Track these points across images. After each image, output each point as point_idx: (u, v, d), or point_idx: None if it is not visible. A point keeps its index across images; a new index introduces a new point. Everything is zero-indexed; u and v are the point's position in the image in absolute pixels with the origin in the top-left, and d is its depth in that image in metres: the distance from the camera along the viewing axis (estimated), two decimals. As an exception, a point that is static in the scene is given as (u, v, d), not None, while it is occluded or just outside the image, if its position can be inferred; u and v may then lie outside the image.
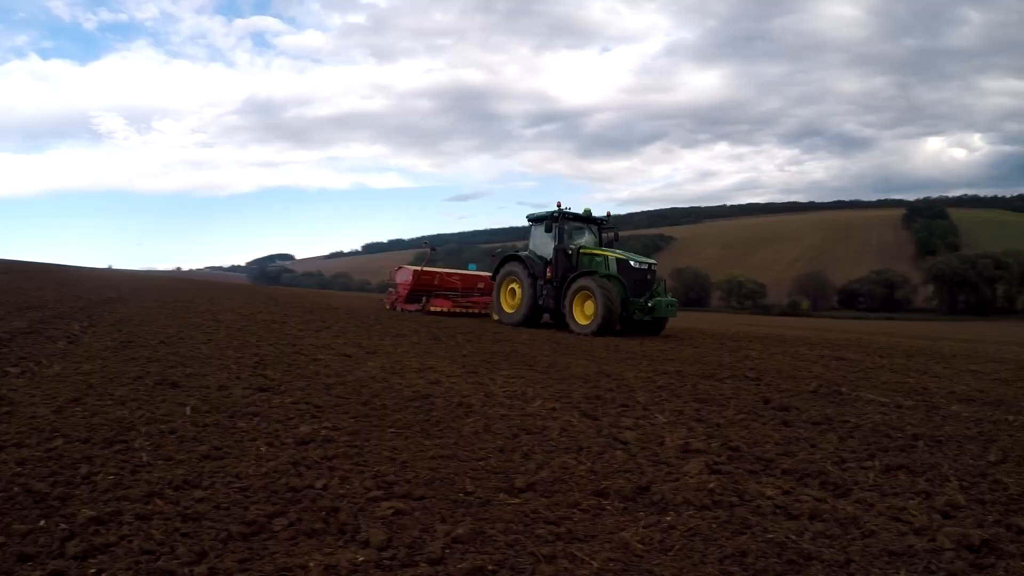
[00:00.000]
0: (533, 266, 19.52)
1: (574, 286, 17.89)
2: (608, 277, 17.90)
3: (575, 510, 4.31)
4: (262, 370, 8.82)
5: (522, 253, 20.40)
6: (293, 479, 4.56)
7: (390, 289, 27.04)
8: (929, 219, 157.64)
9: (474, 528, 3.89)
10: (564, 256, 19.16)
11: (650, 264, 18.81)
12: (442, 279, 25.57)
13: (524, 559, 3.56)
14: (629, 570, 3.52)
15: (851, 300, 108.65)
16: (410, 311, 24.18)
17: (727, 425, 6.88)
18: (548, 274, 19.18)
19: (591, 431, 6.34)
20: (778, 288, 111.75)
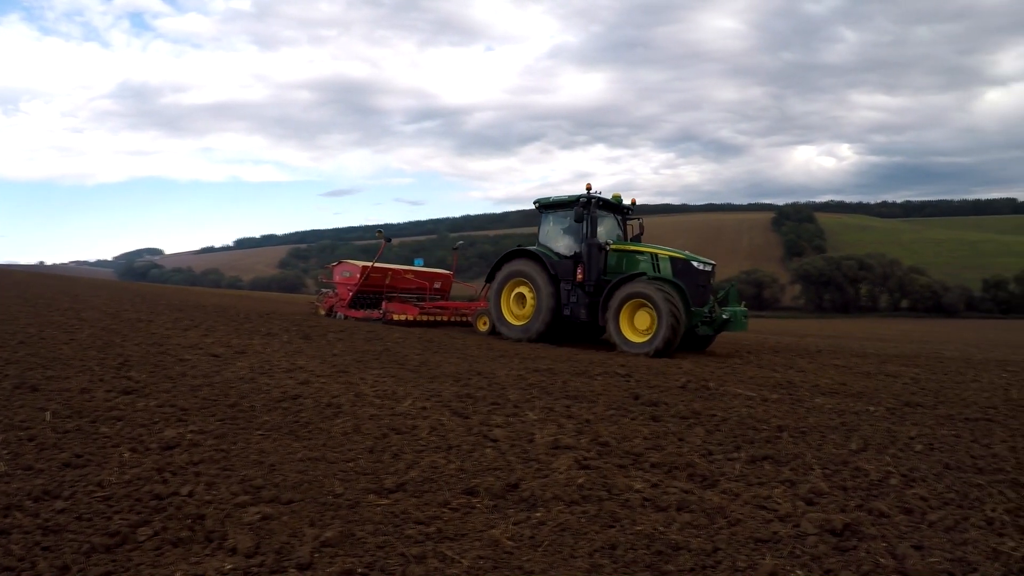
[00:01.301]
0: (556, 265, 15.97)
1: (622, 292, 14.49)
2: (664, 281, 14.61)
3: (445, 509, 4.32)
4: (127, 372, 8.47)
5: (534, 248, 16.71)
6: (158, 486, 4.41)
7: (324, 291, 23.52)
8: (797, 223, 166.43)
9: (343, 531, 3.86)
10: (600, 254, 15.89)
11: (712, 265, 15.87)
12: (395, 277, 21.78)
13: (394, 560, 3.56)
14: (499, 567, 3.55)
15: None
16: (357, 319, 20.31)
17: (597, 421, 7.02)
18: (579, 276, 15.68)
19: (461, 430, 6.36)
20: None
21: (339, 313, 20.92)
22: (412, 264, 23.91)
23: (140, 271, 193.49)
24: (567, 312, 15.78)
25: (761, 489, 4.90)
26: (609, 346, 14.91)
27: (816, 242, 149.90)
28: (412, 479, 4.82)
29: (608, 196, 16.60)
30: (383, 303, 20.50)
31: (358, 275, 20.78)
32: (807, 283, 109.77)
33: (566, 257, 16.12)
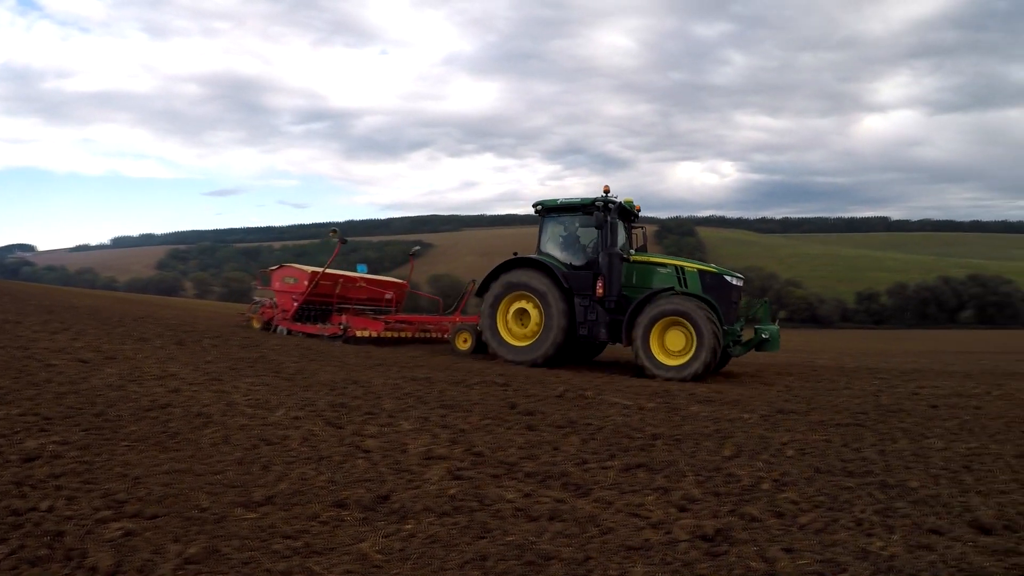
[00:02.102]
0: (570, 278, 14.33)
1: (654, 309, 13.18)
2: (698, 298, 13.41)
3: (314, 523, 4.23)
4: (-11, 378, 7.97)
5: (541, 257, 14.92)
6: (16, 501, 4.18)
7: (257, 299, 20.08)
8: (679, 236, 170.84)
9: (208, 546, 3.74)
10: (621, 265, 14.44)
11: (743, 279, 14.85)
12: (346, 286, 19.05)
13: (260, 576, 3.46)
14: (368, 581, 3.48)
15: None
16: (308, 335, 17.74)
17: (472, 431, 7.00)
18: (599, 290, 14.10)
19: (334, 440, 6.24)
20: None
21: (281, 327, 18.09)
22: (356, 270, 20.56)
23: (10, 268, 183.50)
24: (584, 332, 14.11)
25: (634, 497, 4.93)
26: (596, 366, 14.75)
27: (697, 255, 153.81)
28: (281, 491, 4.70)
29: (620, 200, 15.00)
30: (343, 316, 18.00)
31: (306, 282, 18.03)
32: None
33: (580, 268, 14.58)
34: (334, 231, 19.15)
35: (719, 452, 6.44)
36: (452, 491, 4.83)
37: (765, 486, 5.29)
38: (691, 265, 14.25)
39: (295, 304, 18.02)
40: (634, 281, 14.41)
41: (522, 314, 14.65)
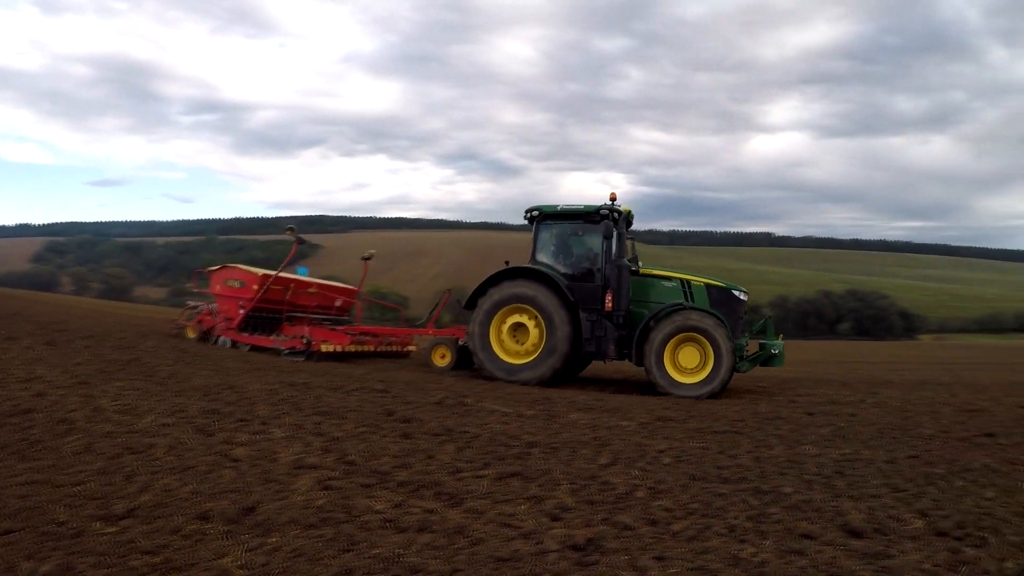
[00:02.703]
0: (575, 290, 13.58)
1: (669, 326, 12.84)
2: (710, 314, 13.22)
3: (175, 537, 4.04)
4: None
5: (540, 268, 13.96)
6: None
7: (195, 305, 17.78)
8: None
9: (63, 563, 3.56)
10: (631, 278, 13.78)
11: (747, 294, 14.43)
12: (296, 292, 17.02)
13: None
14: (228, 598, 3.34)
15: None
16: (259, 348, 15.68)
17: (346, 438, 6.82)
18: (608, 305, 13.44)
19: (201, 448, 5.98)
20: (420, 301, 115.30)
21: (223, 339, 15.97)
22: (296, 273, 18.22)
23: None
24: (591, 348, 13.46)
25: (507, 506, 4.87)
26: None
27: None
28: (144, 504, 4.50)
29: (620, 208, 14.13)
30: (305, 327, 15.93)
31: (255, 286, 15.99)
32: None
33: (582, 280, 13.82)
34: (291, 228, 17.19)
35: (595, 460, 6.44)
36: (320, 502, 4.69)
37: (640, 494, 5.30)
38: (697, 279, 13.95)
39: (241, 312, 15.97)
40: (638, 295, 13.88)
41: (518, 329, 13.71)
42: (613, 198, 13.70)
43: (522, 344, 13.55)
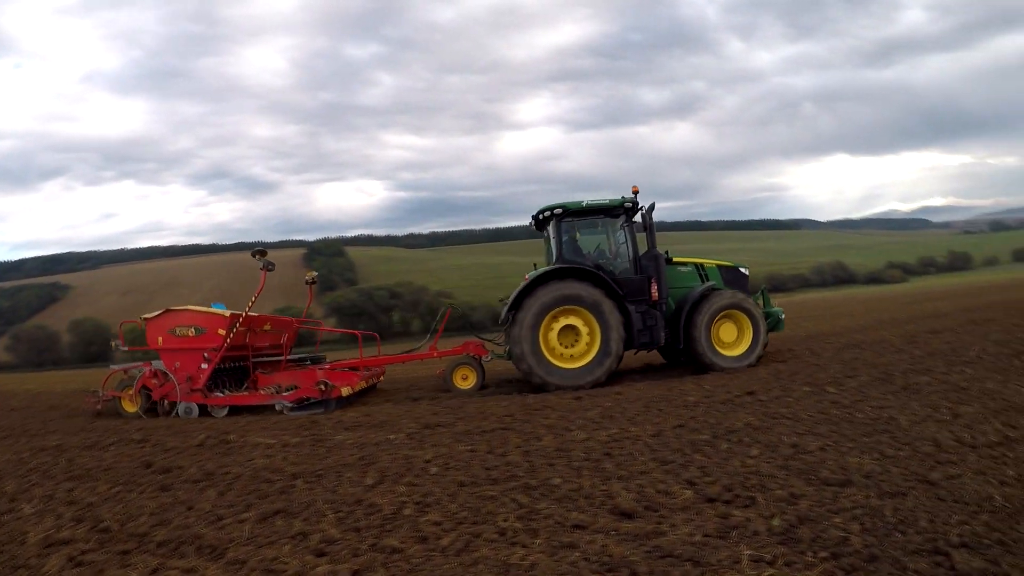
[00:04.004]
0: (623, 284, 13.43)
1: (711, 306, 13.22)
2: (738, 291, 13.84)
3: None
4: None
5: (585, 265, 13.55)
6: None
7: (124, 368, 14.30)
8: (328, 257, 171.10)
9: None
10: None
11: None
12: (253, 331, 14.11)
13: None
14: None
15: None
16: (244, 408, 12.75)
17: (100, 503, 6.26)
18: (654, 295, 13.43)
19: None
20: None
21: (186, 405, 12.76)
22: (212, 308, 14.53)
23: None
24: (645, 339, 13.36)
25: (270, 550, 4.57)
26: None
27: (348, 275, 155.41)
28: None
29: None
30: (317, 371, 13.48)
31: (221, 330, 13.00)
32: (341, 315, 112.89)
33: (627, 273, 13.72)
34: (259, 251, 14.14)
35: (361, 482, 6.23)
36: (69, 583, 4.22)
37: (408, 511, 5.14)
38: (709, 262, 14.57)
39: (205, 367, 12.91)
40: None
41: (570, 331, 13.11)
42: (635, 191, 13.75)
43: (571, 347, 13.07)
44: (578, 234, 14.21)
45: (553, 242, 14.15)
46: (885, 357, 11.69)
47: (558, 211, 13.83)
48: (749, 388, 9.88)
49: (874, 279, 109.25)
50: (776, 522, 4.34)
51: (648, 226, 13.66)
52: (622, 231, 14.01)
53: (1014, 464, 5.14)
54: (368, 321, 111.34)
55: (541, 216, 14.25)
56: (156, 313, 13.45)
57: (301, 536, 4.78)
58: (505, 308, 13.39)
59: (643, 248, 13.77)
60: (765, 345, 13.47)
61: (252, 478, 6.74)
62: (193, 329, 13.03)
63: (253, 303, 13.52)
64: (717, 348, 13.20)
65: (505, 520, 4.74)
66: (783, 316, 14.60)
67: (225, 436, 9.32)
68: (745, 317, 13.33)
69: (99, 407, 13.41)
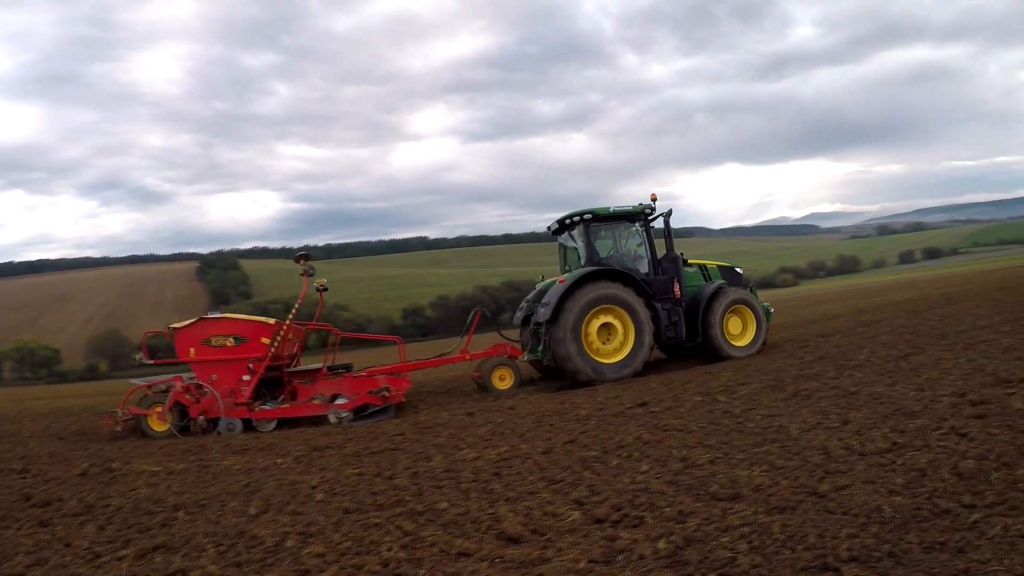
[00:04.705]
0: (651, 284, 14.51)
1: (722, 302, 14.51)
2: (739, 288, 15.36)
3: None
4: None
5: (618, 267, 14.46)
6: None
7: (150, 384, 12.85)
8: (222, 271, 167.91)
9: None
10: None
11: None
12: (284, 339, 13.02)
13: None
14: None
15: (154, 354, 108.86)
16: (300, 418, 12.19)
17: (-27, 541, 5.92)
18: (676, 293, 14.65)
19: None
20: (74, 351, 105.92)
21: (229, 421, 11.83)
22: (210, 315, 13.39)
23: None
24: (671, 333, 14.50)
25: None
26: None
27: (242, 288, 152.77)
28: None
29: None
30: (377, 377, 13.25)
31: (265, 338, 12.46)
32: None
33: (654, 274, 14.85)
34: (304, 256, 13.85)
35: (245, 511, 6.07)
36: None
37: (290, 543, 5.02)
38: (710, 263, 15.98)
39: (249, 378, 12.23)
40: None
41: (606, 328, 13.86)
42: (654, 198, 14.85)
43: (609, 343, 13.81)
44: (606, 238, 15.14)
45: (582, 246, 14.83)
46: (776, 363, 11.99)
47: (587, 216, 14.56)
48: (641, 399, 9.99)
49: (766, 284, 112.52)
50: (662, 544, 4.32)
51: (668, 231, 14.95)
52: (639, 235, 15.05)
53: (902, 471, 5.21)
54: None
55: (568, 221, 14.99)
56: (188, 322, 12.68)
57: (180, 573, 4.62)
58: (541, 309, 13.74)
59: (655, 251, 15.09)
60: (767, 335, 14.89)
61: (133, 510, 6.51)
62: (232, 339, 12.39)
63: (296, 310, 13.36)
64: (731, 339, 14.51)
65: (389, 550, 4.66)
66: (772, 310, 15.92)
67: (109, 464, 8.97)
68: (749, 311, 14.72)
69: (118, 428, 12.17)
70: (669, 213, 14.93)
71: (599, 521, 4.89)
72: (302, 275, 13.32)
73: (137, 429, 12.19)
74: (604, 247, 15.05)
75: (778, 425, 7.25)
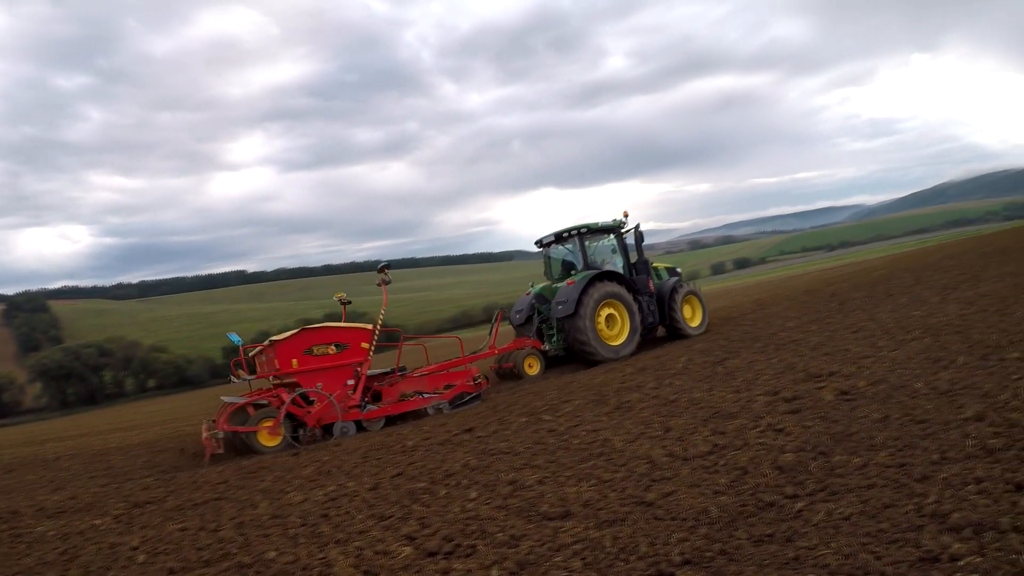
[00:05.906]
0: (636, 282, 17.81)
1: (682, 293, 18.17)
2: (687, 282, 19.16)
3: None
4: None
5: (615, 269, 18.00)
6: None
7: (245, 398, 12.43)
8: (31, 313, 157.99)
9: None
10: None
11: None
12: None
13: None
14: None
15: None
16: (405, 412, 12.89)
17: None
18: (651, 288, 18.16)
19: None
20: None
21: (344, 425, 12.16)
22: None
23: None
24: (651, 320, 17.71)
25: None
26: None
27: (52, 332, 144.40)
28: None
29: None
30: (470, 368, 14.73)
31: (364, 343, 12.88)
32: (48, 379, 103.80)
33: (637, 274, 18.02)
34: (386, 267, 14.07)
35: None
36: None
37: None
38: (659, 264, 19.60)
39: (353, 382, 12.61)
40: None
41: (610, 319, 16.79)
42: (626, 214, 18.12)
43: (612, 329, 16.75)
44: (593, 246, 18.36)
45: (579, 253, 17.98)
46: (598, 377, 12.47)
47: (583, 230, 17.82)
48: (467, 425, 10.13)
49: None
50: (495, 573, 4.33)
51: (638, 240, 17.94)
52: (613, 243, 18.35)
53: (725, 471, 5.46)
54: (77, 384, 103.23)
55: (566, 234, 18.10)
56: (289, 334, 12.82)
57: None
58: (559, 307, 16.29)
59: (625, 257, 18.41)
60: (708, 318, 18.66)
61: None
62: (333, 346, 12.72)
63: (382, 316, 13.71)
64: (689, 322, 17.95)
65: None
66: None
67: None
68: (697, 300, 18.48)
69: (220, 449, 11.50)
70: (638, 226, 18.15)
71: (431, 555, 4.87)
72: (379, 285, 13.94)
73: (233, 446, 11.86)
74: (596, 253, 18.39)
75: (603, 439, 7.49)
